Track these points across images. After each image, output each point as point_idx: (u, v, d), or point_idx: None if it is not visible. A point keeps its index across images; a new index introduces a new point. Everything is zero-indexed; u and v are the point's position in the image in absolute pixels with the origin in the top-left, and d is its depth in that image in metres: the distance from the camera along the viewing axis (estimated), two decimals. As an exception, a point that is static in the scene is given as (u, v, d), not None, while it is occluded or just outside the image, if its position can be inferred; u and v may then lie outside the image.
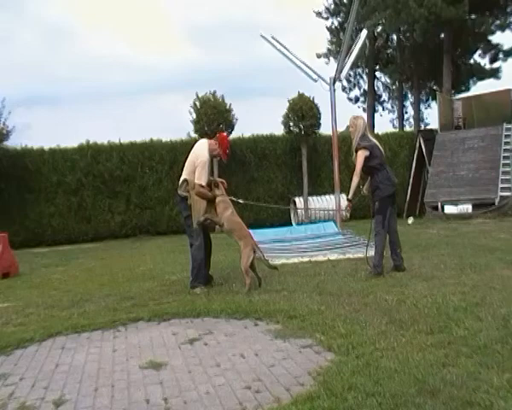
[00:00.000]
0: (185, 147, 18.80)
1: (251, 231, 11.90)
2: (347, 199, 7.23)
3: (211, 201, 6.85)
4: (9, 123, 17.19)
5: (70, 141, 27.62)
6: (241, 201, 7.31)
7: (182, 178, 7.00)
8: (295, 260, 8.91)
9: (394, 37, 33.75)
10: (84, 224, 17.75)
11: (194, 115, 17.78)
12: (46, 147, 18.04)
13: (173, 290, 6.99)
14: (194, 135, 18.33)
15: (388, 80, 36.67)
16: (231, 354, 4.26)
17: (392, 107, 37.59)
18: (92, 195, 17.83)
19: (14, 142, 17.82)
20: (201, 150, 6.91)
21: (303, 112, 17.69)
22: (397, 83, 35.35)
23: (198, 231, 6.87)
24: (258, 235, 11.55)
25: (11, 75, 50.01)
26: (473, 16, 26.12)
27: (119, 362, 4.28)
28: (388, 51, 35.17)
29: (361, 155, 6.96)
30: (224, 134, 7.49)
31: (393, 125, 37.15)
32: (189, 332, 4.98)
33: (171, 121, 52.37)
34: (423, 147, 18.77)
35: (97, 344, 4.85)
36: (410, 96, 36.57)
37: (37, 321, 5.86)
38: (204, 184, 6.72)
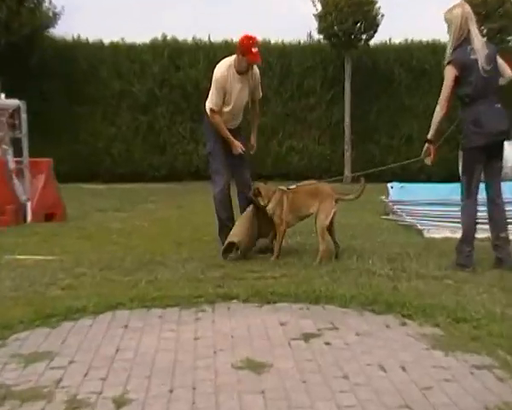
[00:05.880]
0: (303, 54, 18.87)
1: (398, 184, 11.79)
2: (426, 140, 6.95)
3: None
4: (57, 3, 17.87)
5: (139, 34, 27.99)
6: (292, 187, 7.50)
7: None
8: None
9: None
10: (155, 155, 18.36)
11: (320, 7, 17.54)
12: (106, 40, 18.59)
13: (282, 261, 7.09)
14: (318, 36, 18.15)
15: None
16: (365, 362, 4.21)
17: None
18: (169, 114, 18.32)
19: (63, 30, 18.43)
20: (214, 73, 7.65)
21: (487, 9, 16.78)
22: None
23: (218, 169, 7.70)
24: (408, 193, 11.38)
25: None
26: None
27: (202, 356, 4.37)
28: None
29: (448, 74, 6.57)
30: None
31: None
32: (303, 324, 4.99)
33: (282, 16, 51.89)
34: None
35: (173, 327, 4.98)
36: None
37: (91, 285, 6.16)
38: (214, 107, 7.55)
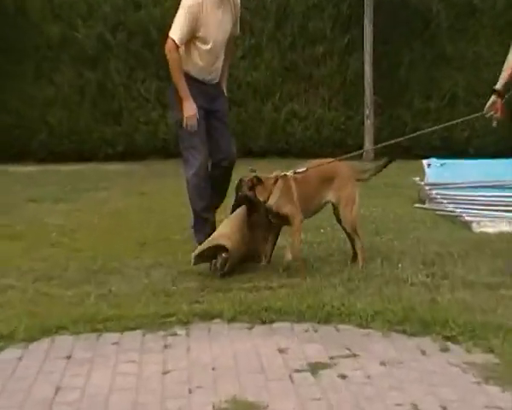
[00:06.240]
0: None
1: (437, 161, 11.79)
2: (493, 89, 6.98)
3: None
4: None
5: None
6: (299, 170, 7.29)
7: None
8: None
9: None
10: (109, 125, 18.26)
11: None
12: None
13: (281, 267, 7.10)
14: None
15: None
16: (394, 401, 4.23)
17: None
18: (126, 69, 18.22)
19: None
20: None
21: None
22: None
23: (193, 144, 7.65)
24: (452, 173, 11.37)
25: None
26: None
27: (174, 395, 4.39)
28: None
29: None
30: None
31: None
32: (309, 351, 5.01)
33: None
34: None
35: (133, 357, 4.99)
36: None
37: (20, 303, 6.17)
38: (178, 41, 7.49)
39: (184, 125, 7.49)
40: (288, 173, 7.24)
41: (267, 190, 7.12)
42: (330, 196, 7.26)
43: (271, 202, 7.07)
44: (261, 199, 7.09)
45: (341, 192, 7.21)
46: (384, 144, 7.91)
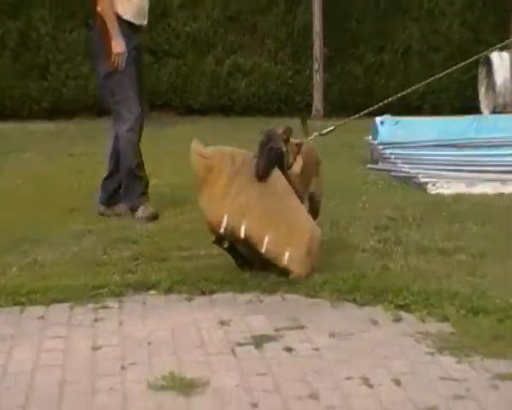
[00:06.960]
0: None
1: (391, 119, 11.85)
2: None
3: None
4: None
5: None
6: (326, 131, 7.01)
7: None
8: (487, 189, 8.90)
9: None
10: (33, 79, 18.07)
11: None
12: None
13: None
14: None
15: None
16: (343, 375, 4.24)
17: None
18: (51, 18, 18.02)
19: None
20: None
21: None
22: None
23: (127, 96, 7.77)
24: (406, 131, 11.47)
25: None
26: None
27: (105, 373, 4.36)
28: None
29: None
30: None
31: None
32: (253, 323, 5.04)
33: None
34: None
35: (60, 332, 4.96)
36: None
37: None
38: None
39: (115, 64, 7.51)
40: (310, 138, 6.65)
41: (293, 153, 6.22)
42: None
43: (296, 169, 6.21)
44: (290, 161, 6.18)
45: (318, 177, 6.83)
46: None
